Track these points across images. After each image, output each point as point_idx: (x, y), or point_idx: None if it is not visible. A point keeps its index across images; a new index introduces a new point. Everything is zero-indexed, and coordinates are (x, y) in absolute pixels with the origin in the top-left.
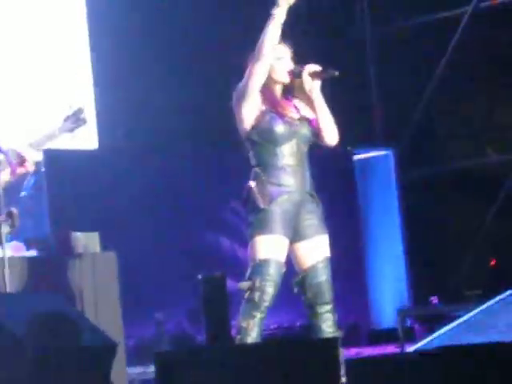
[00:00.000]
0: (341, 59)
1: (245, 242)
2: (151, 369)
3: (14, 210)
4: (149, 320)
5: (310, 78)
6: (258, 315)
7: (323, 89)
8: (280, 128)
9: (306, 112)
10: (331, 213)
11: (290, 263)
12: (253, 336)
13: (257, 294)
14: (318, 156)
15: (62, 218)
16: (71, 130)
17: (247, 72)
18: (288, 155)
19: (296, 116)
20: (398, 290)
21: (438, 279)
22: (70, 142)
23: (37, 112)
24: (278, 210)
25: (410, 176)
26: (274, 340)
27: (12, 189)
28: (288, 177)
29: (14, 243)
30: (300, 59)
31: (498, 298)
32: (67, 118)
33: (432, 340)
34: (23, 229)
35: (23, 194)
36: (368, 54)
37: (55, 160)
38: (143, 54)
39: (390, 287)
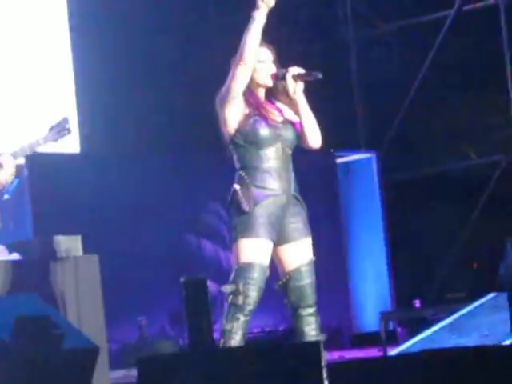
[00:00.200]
0: (324, 62)
1: (227, 245)
2: (134, 372)
3: None
4: (132, 324)
5: (293, 81)
6: (242, 318)
7: (306, 92)
8: (264, 131)
9: (290, 115)
10: (313, 216)
11: (273, 266)
12: (236, 339)
13: (240, 298)
14: (300, 159)
15: (45, 221)
16: (55, 140)
17: (230, 75)
18: (272, 158)
19: (279, 119)
20: (380, 294)
21: (421, 282)
22: (52, 147)
23: (19, 117)
24: (263, 213)
25: (393, 179)
26: (257, 343)
27: None
28: (272, 180)
29: None
30: (283, 62)
31: (480, 301)
32: (52, 128)
33: (414, 343)
34: (5, 232)
35: (5, 197)
36: (351, 57)
37: (38, 163)
38: (126, 58)
39: (372, 290)
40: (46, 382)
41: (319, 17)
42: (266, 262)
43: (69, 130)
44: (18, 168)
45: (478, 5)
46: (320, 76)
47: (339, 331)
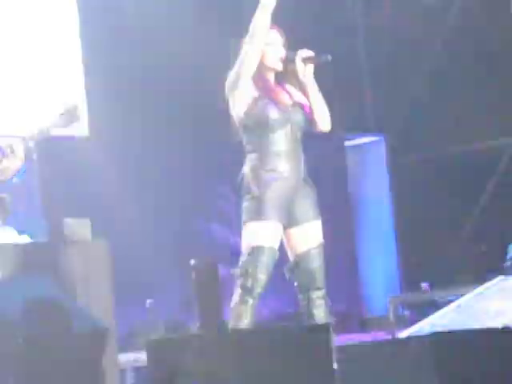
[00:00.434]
0: (333, 45)
1: (236, 228)
2: (143, 355)
3: (6, 197)
4: (140, 307)
5: (302, 64)
6: (251, 301)
7: (315, 74)
8: (274, 114)
9: (299, 98)
10: (322, 199)
11: (283, 249)
12: (245, 322)
13: (249, 281)
14: (309, 141)
15: (54, 204)
16: (65, 126)
17: (239, 58)
18: (282, 141)
19: (289, 102)
20: (388, 277)
21: (429, 266)
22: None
23: (28, 102)
24: (273, 196)
25: (402, 162)
26: (266, 326)
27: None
28: (282, 163)
29: (6, 229)
30: (291, 45)
31: (488, 284)
32: (61, 115)
33: (423, 326)
34: (15, 215)
35: (15, 180)
36: (359, 40)
37: (46, 147)
38: (137, 41)
39: (380, 274)
40: (56, 364)
41: (327, 0)
42: (276, 244)
43: (78, 117)
44: (28, 152)
45: None
46: (329, 59)
47: (348, 315)
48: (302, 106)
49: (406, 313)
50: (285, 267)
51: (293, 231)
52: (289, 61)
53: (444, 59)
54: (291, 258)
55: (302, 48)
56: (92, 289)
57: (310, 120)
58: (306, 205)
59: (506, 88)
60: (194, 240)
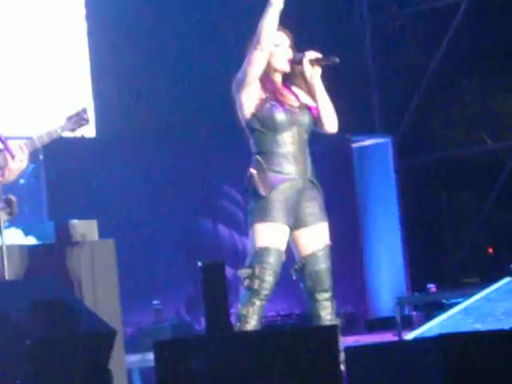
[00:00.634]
0: (340, 47)
1: (243, 229)
2: (150, 356)
3: (13, 198)
4: (147, 308)
5: (310, 65)
6: (258, 303)
7: (323, 76)
8: (281, 116)
9: (306, 99)
10: (329, 201)
11: (290, 251)
12: (252, 323)
13: (256, 282)
14: (316, 143)
15: (60, 205)
16: (73, 130)
17: (246, 60)
18: (289, 143)
19: (296, 104)
20: (395, 278)
21: (436, 267)
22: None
23: (36, 104)
24: (279, 198)
25: (409, 164)
26: (273, 327)
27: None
28: (289, 164)
29: (12, 230)
30: (299, 47)
31: (495, 286)
32: (70, 117)
33: (430, 328)
34: (21, 216)
35: (21, 181)
36: (367, 42)
37: (53, 148)
38: (142, 43)
39: (387, 275)
40: (62, 365)
41: (335, 1)
42: (283, 246)
43: (87, 120)
44: (34, 153)
45: None
46: (337, 61)
47: (354, 316)
48: (308, 108)
49: (413, 314)
50: (291, 269)
51: (300, 233)
52: (296, 62)
53: (451, 61)
54: (298, 259)
55: (309, 50)
56: (99, 289)
57: (316, 122)
58: (313, 206)
59: None
60: (201, 241)
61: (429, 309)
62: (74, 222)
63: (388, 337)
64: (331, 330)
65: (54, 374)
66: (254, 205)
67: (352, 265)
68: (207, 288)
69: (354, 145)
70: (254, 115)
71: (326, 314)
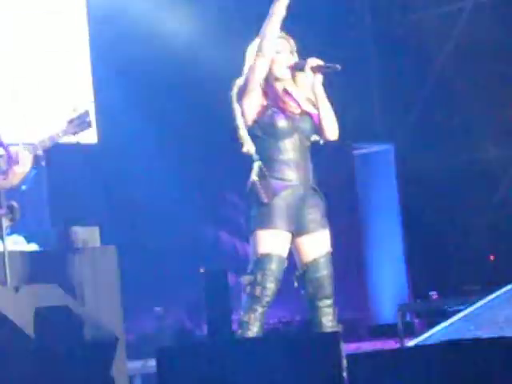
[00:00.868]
0: (342, 53)
1: (244, 236)
2: (152, 363)
3: (15, 204)
4: (149, 314)
5: (312, 72)
6: (260, 309)
7: (325, 83)
8: (282, 123)
9: (307, 106)
10: (331, 207)
11: (291, 257)
12: (254, 330)
13: (258, 289)
14: (318, 150)
15: (62, 211)
16: (75, 133)
17: (247, 66)
18: (290, 149)
19: (297, 110)
20: (397, 285)
21: (438, 274)
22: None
23: (37, 109)
24: (281, 204)
25: (410, 171)
26: (275, 334)
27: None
28: (291, 171)
29: (14, 237)
30: (300, 53)
31: (497, 293)
32: (71, 121)
33: (432, 335)
34: (23, 223)
35: (23, 187)
36: (369, 49)
37: (55, 154)
38: (144, 48)
39: (389, 282)
40: (65, 372)
41: (337, 8)
42: (284, 253)
43: (89, 124)
44: (36, 159)
45: None
46: (339, 68)
47: (356, 323)
48: (310, 115)
49: (415, 321)
50: (293, 276)
51: (301, 240)
52: (298, 69)
53: (453, 68)
54: (299, 266)
55: (311, 57)
56: (100, 295)
57: (318, 129)
58: (315, 213)
59: None
60: (203, 248)
61: (430, 316)
62: (76, 228)
63: (390, 344)
64: (333, 337)
65: (57, 380)
66: (255, 211)
67: (354, 272)
68: (209, 295)
69: (356, 152)
70: (255, 122)
71: (328, 320)
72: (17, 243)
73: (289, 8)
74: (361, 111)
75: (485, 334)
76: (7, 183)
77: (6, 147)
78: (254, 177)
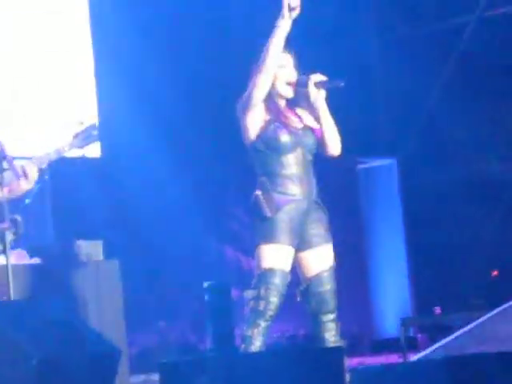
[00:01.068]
0: (345, 68)
1: (248, 250)
2: (154, 377)
3: (18, 218)
4: (152, 328)
5: (315, 88)
6: (263, 324)
7: (328, 97)
8: (285, 137)
9: (310, 121)
10: (334, 222)
11: (294, 272)
12: (257, 345)
13: (262, 303)
14: (321, 165)
15: (66, 225)
16: (81, 147)
17: (251, 82)
18: (293, 164)
19: (300, 125)
20: (401, 300)
21: (441, 289)
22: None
23: (41, 122)
24: (285, 219)
25: (414, 185)
26: (279, 349)
27: (16, 198)
28: (294, 186)
29: (18, 251)
30: (304, 67)
31: (501, 308)
32: (77, 135)
33: (435, 350)
34: (27, 236)
35: (27, 201)
36: (373, 63)
37: (59, 168)
38: (149, 61)
39: (392, 297)
40: None
41: (342, 21)
42: (288, 267)
43: (96, 137)
44: (41, 173)
45: (500, 10)
46: (342, 84)
47: (359, 337)
48: (312, 130)
49: (418, 336)
50: (296, 290)
51: (304, 254)
52: (301, 85)
53: (456, 82)
54: (302, 281)
55: (314, 71)
56: (104, 309)
57: (320, 144)
58: (318, 228)
59: None
60: (206, 262)
61: (434, 331)
62: (80, 242)
63: (393, 358)
64: (336, 352)
65: None
66: (259, 226)
67: (357, 286)
68: (213, 309)
69: (360, 166)
70: (258, 137)
71: (331, 335)
72: (20, 257)
73: (293, 21)
74: (364, 125)
75: (488, 349)
76: (11, 195)
77: (10, 161)
78: (257, 191)
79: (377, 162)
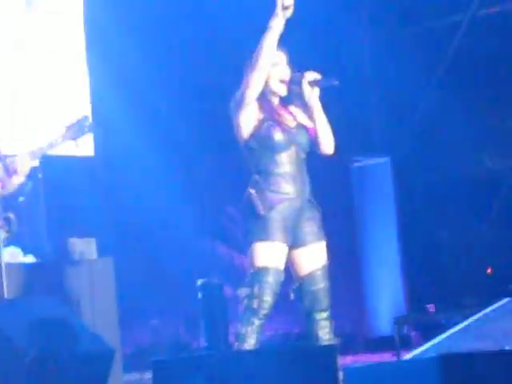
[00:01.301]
0: (339, 66)
1: (241, 248)
2: (148, 375)
3: (12, 216)
4: (145, 326)
5: (309, 87)
6: (257, 322)
7: (321, 96)
8: (278, 136)
9: (303, 119)
10: (328, 220)
11: (288, 270)
12: (251, 343)
13: (255, 302)
14: (315, 163)
15: (59, 224)
16: (74, 138)
17: (244, 81)
18: (287, 162)
19: (293, 124)
20: (394, 298)
21: (435, 287)
22: (70, 149)
23: (34, 119)
24: (278, 217)
25: (407, 184)
26: (272, 347)
27: (9, 194)
28: (287, 184)
29: (11, 249)
30: (298, 66)
31: (494, 306)
32: (70, 126)
33: (428, 348)
34: (20, 235)
35: (21, 199)
36: (366, 61)
37: (52, 166)
38: (141, 60)
39: (386, 295)
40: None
41: (335, 19)
42: (281, 265)
43: (88, 129)
44: (33, 169)
45: (493, 9)
46: (336, 82)
47: (353, 335)
48: (306, 128)
49: (412, 334)
50: (290, 288)
51: (297, 252)
52: (295, 83)
53: (450, 81)
54: (296, 279)
55: (308, 70)
56: (97, 307)
57: (314, 142)
58: (312, 226)
59: None
60: (200, 260)
61: (427, 329)
62: (73, 240)
63: (387, 356)
64: (330, 350)
65: None
66: (252, 224)
67: (350, 284)
68: (206, 308)
69: (353, 164)
70: (251, 135)
71: (324, 333)
72: (14, 255)
73: (287, 20)
74: (358, 124)
75: (482, 347)
76: (4, 192)
77: (3, 158)
78: (250, 189)
79: (371, 161)
